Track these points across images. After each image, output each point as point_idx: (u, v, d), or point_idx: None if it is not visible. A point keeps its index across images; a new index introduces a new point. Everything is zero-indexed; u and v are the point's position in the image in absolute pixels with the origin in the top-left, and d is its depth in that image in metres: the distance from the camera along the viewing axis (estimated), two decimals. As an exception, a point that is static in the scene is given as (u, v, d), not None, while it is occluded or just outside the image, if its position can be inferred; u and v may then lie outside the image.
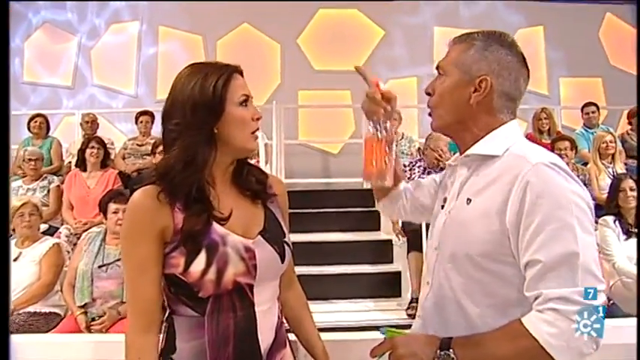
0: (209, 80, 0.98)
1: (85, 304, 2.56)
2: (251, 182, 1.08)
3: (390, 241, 4.06)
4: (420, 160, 3.98)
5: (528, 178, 0.89)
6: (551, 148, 3.73)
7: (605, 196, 3.45)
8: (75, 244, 3.13)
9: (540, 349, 0.84)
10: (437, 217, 1.09)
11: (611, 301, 2.74)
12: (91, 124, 4.90)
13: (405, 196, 1.29)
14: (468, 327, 0.95)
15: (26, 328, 2.56)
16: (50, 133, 4.91)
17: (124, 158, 4.63)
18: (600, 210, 3.13)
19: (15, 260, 2.76)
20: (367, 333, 1.61)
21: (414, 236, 3.49)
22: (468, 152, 1.03)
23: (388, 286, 3.77)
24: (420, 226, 3.37)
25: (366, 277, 3.83)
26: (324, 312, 3.36)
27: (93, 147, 3.92)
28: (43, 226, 3.49)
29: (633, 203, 3.06)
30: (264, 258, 1.02)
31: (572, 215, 0.87)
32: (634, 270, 2.82)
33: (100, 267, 2.58)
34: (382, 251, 4.07)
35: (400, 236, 3.77)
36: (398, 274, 3.80)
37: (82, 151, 3.97)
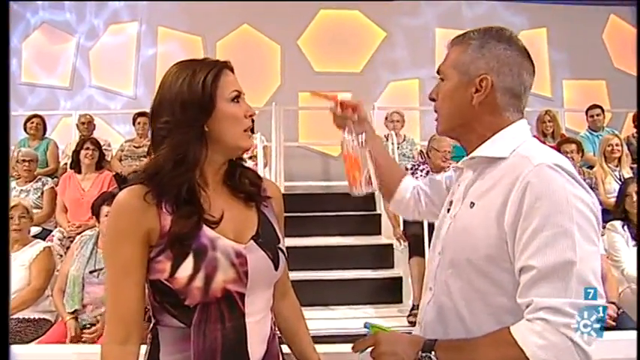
0: (198, 76, 0.95)
1: (76, 310, 2.50)
2: (244, 184, 1.04)
3: (391, 245, 4.00)
4: (423, 163, 3.93)
5: (529, 179, 0.86)
6: (557, 151, 3.65)
7: (611, 199, 3.41)
8: (68, 248, 3.08)
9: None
10: (442, 221, 1.07)
11: (621, 310, 2.64)
12: (87, 125, 4.83)
13: (419, 195, 1.27)
14: (468, 335, 0.92)
15: (14, 335, 2.48)
16: (47, 135, 4.87)
17: (120, 160, 4.59)
18: (607, 214, 3.05)
19: (4, 264, 2.70)
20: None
21: (415, 241, 3.43)
22: (473, 154, 1.00)
23: (389, 292, 3.72)
24: (422, 230, 3.34)
25: (366, 283, 3.78)
26: (322, 318, 3.30)
27: (87, 148, 3.86)
28: (36, 229, 3.45)
29: (639, 207, 2.99)
30: (257, 264, 0.96)
31: (573, 221, 0.82)
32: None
33: (91, 272, 2.55)
34: (383, 256, 4.01)
35: (401, 241, 3.71)
36: (399, 279, 3.75)
37: (76, 153, 3.91)
